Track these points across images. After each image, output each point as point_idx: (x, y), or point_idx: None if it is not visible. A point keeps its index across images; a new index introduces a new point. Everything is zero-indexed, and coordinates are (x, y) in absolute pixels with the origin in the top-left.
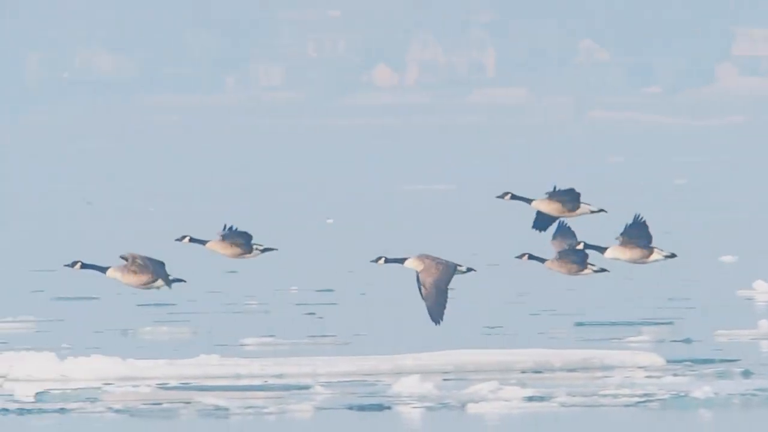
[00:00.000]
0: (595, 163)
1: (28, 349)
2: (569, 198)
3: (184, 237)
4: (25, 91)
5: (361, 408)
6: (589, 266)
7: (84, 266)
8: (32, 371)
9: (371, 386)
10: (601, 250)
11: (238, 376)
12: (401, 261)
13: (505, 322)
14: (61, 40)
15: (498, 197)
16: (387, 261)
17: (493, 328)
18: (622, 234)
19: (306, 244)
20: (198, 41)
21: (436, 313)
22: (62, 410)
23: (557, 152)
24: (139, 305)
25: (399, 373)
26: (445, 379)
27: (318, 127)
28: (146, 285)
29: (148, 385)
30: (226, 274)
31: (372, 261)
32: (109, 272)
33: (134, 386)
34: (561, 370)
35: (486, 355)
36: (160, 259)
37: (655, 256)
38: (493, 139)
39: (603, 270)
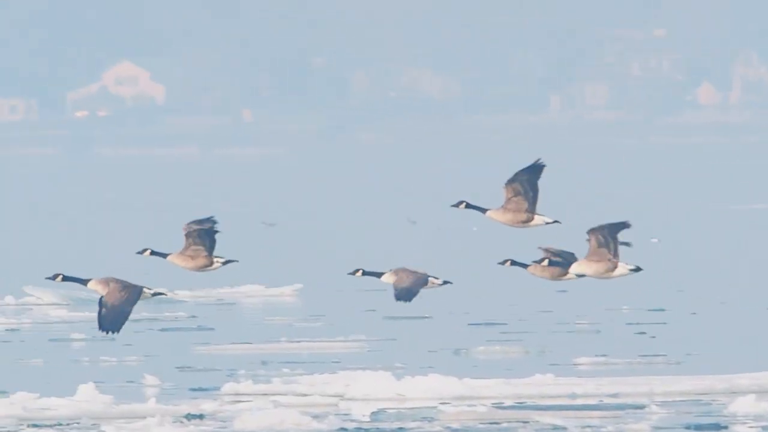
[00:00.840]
0: None
1: (362, 369)
2: (525, 210)
3: (145, 250)
4: (351, 109)
5: (698, 428)
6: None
7: (65, 278)
8: (369, 391)
9: (706, 406)
10: (565, 265)
11: (574, 396)
12: (378, 275)
13: None
14: (387, 58)
15: (453, 206)
16: (365, 273)
17: None
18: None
19: (635, 263)
20: (523, 61)
21: (406, 293)
22: (400, 429)
23: None
24: (470, 324)
25: (735, 393)
26: None
27: (641, 145)
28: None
29: (484, 405)
30: (557, 294)
31: (350, 273)
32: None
33: (470, 405)
34: None
35: None
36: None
37: (620, 270)
38: None
39: (582, 275)
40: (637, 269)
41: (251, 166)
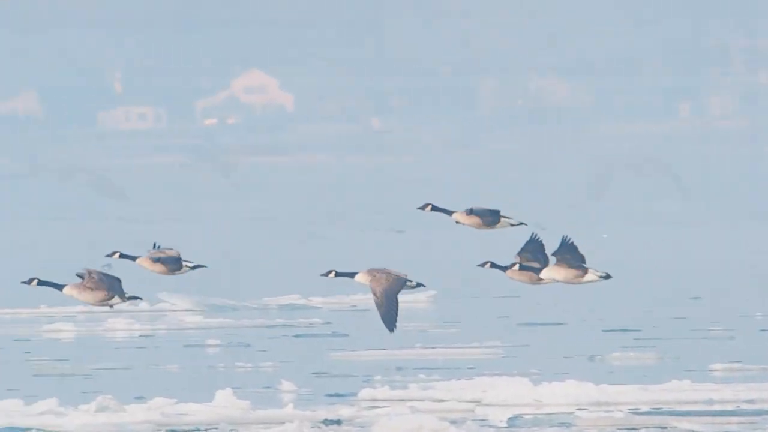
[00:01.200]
0: None
1: (499, 375)
2: (489, 212)
3: (114, 253)
4: (479, 118)
5: None
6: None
7: (40, 283)
8: (506, 396)
9: None
10: (536, 270)
11: (710, 402)
12: (351, 275)
13: None
14: (515, 67)
15: (419, 208)
16: (338, 275)
17: None
18: (553, 254)
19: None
20: (651, 69)
21: (389, 321)
22: None
23: None
24: (604, 331)
25: None
26: None
27: None
28: (102, 302)
29: (621, 411)
30: (691, 301)
31: (322, 275)
32: (65, 289)
33: (607, 411)
34: None
35: None
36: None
37: (589, 276)
38: None
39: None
40: (607, 276)
41: (381, 174)
